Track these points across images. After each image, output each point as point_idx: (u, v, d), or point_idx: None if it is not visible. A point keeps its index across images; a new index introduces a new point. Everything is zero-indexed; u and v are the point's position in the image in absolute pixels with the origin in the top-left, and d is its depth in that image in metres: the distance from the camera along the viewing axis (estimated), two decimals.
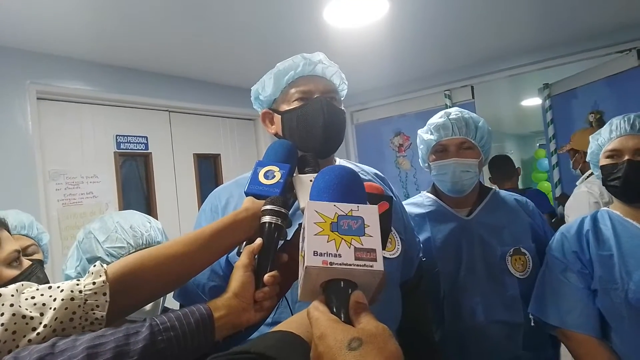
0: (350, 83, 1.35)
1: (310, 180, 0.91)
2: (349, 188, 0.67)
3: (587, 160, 1.53)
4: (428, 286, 1.58)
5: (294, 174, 1.01)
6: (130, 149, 3.14)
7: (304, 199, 0.91)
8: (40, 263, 1.55)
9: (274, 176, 0.94)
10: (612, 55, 3.23)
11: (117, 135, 3.06)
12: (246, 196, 0.94)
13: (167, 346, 0.68)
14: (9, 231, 1.07)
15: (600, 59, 3.31)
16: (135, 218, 1.21)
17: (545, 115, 3.91)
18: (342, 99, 1.30)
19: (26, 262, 1.06)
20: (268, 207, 0.87)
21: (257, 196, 0.92)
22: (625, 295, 1.28)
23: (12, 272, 1.01)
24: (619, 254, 1.33)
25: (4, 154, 2.43)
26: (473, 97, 3.90)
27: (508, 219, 1.61)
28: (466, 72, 3.85)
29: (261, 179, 0.94)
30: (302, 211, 0.87)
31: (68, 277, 1.13)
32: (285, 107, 1.22)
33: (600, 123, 3.31)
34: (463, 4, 2.53)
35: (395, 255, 1.24)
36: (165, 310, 1.21)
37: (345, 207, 0.61)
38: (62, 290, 0.70)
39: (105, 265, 0.75)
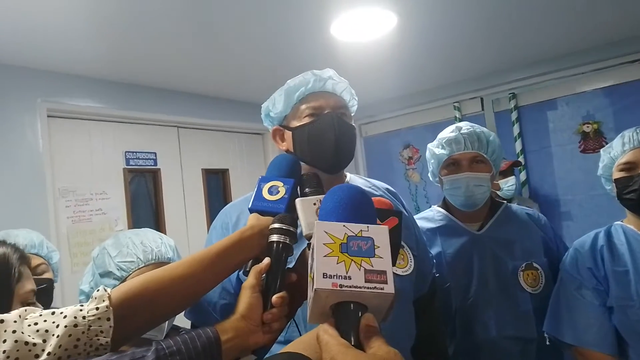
0: (358, 96, 1.35)
1: (314, 204, 0.88)
2: (358, 208, 0.65)
3: (599, 174, 1.50)
4: (440, 301, 1.56)
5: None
6: (140, 165, 3.16)
7: (306, 223, 0.85)
8: (51, 282, 1.55)
9: (278, 191, 0.92)
10: (617, 66, 3.22)
11: (126, 152, 3.08)
12: (250, 213, 0.92)
13: None
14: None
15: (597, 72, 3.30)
16: (148, 235, 1.24)
17: (512, 128, 3.68)
18: (352, 114, 1.30)
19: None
20: (276, 225, 0.85)
21: (262, 212, 0.90)
22: None
23: None
24: (635, 270, 1.30)
25: (14, 171, 2.46)
26: (482, 109, 3.88)
27: (519, 234, 1.59)
28: (475, 84, 3.84)
29: (265, 194, 0.92)
30: (307, 237, 0.84)
31: (82, 292, 1.18)
32: (296, 124, 1.22)
33: (598, 133, 3.27)
34: (471, 16, 2.53)
35: (407, 273, 1.22)
36: (175, 328, 1.23)
37: (354, 228, 0.60)
38: (65, 317, 0.69)
39: (109, 290, 0.74)
